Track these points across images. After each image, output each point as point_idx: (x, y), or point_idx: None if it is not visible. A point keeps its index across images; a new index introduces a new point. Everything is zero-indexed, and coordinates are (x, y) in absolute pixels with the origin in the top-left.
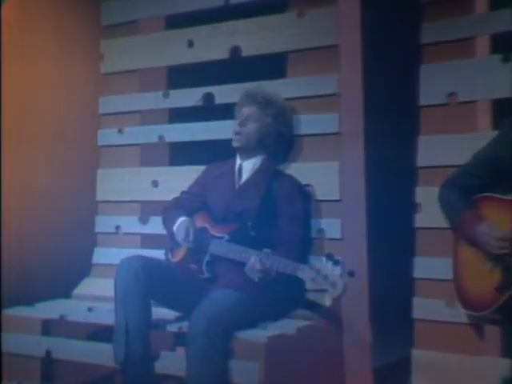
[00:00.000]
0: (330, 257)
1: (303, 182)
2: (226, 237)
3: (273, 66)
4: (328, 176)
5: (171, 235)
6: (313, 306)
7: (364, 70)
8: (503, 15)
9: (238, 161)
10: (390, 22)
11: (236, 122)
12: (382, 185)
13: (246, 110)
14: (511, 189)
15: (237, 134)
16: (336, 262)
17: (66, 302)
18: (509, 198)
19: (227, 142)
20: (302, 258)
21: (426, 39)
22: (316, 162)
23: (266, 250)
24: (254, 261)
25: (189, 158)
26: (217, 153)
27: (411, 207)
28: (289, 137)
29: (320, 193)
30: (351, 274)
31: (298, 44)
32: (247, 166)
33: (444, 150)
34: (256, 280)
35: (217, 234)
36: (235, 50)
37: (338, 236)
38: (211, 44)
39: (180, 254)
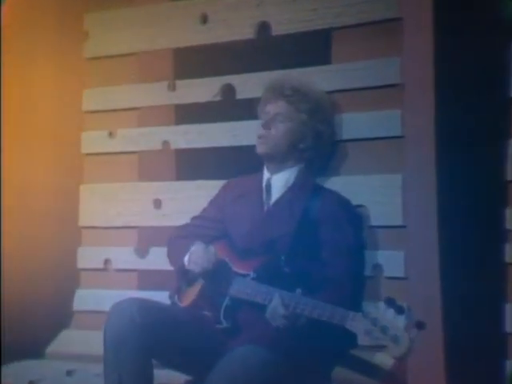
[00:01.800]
0: (390, 302)
1: (353, 202)
2: (252, 274)
3: (312, 48)
4: (387, 194)
5: (179, 270)
6: (368, 369)
7: (436, 52)
8: None
9: (266, 174)
10: None
11: (261, 121)
12: (460, 205)
13: (272, 107)
14: None
15: (261, 137)
16: (399, 310)
17: (37, 364)
18: None
19: (253, 150)
20: (354, 302)
21: None
22: (370, 175)
23: (297, 290)
24: (276, 303)
25: (202, 170)
26: (239, 164)
27: (501, 235)
28: (331, 139)
29: (376, 216)
30: (420, 325)
31: (346, 19)
32: (278, 181)
33: None
34: (280, 328)
35: (240, 271)
36: (263, 28)
37: (401, 274)
38: (231, 19)
39: (190, 296)
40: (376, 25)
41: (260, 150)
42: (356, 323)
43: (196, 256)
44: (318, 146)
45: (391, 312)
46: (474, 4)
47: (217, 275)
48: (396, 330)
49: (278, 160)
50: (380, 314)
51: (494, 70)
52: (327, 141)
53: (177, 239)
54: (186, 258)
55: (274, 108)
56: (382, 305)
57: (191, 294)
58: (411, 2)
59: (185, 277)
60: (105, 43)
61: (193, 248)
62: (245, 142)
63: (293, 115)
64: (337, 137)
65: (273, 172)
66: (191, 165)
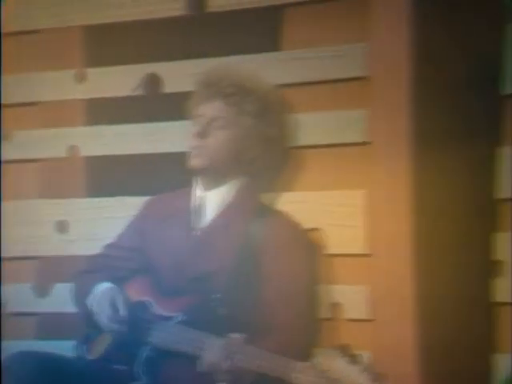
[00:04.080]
0: (344, 351)
1: (306, 225)
2: (179, 317)
3: (258, 30)
4: (348, 214)
5: (86, 314)
6: None
7: (414, 35)
8: None
9: (199, 191)
10: None
11: (193, 127)
12: (438, 227)
13: (208, 109)
14: None
15: (195, 148)
16: (354, 360)
17: None
18: None
19: (184, 158)
20: (303, 350)
21: None
22: (328, 191)
23: (235, 335)
24: (218, 355)
25: (118, 184)
26: (166, 176)
27: (488, 267)
28: (282, 147)
29: (335, 243)
30: (380, 379)
31: None
32: (213, 199)
33: None
34: None
35: (164, 313)
36: (196, 3)
37: (364, 316)
38: None
39: (100, 346)
40: (338, 1)
41: (194, 163)
42: (303, 375)
43: (99, 304)
44: (266, 156)
45: (344, 362)
46: None
47: (133, 321)
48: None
49: (216, 174)
50: (331, 364)
51: (484, 61)
52: (278, 148)
53: (84, 275)
54: (93, 302)
55: (211, 110)
56: (334, 353)
57: (102, 343)
58: None
59: (93, 323)
60: None
61: (98, 291)
62: (173, 149)
63: (235, 119)
64: (290, 143)
65: (208, 188)
66: (105, 177)
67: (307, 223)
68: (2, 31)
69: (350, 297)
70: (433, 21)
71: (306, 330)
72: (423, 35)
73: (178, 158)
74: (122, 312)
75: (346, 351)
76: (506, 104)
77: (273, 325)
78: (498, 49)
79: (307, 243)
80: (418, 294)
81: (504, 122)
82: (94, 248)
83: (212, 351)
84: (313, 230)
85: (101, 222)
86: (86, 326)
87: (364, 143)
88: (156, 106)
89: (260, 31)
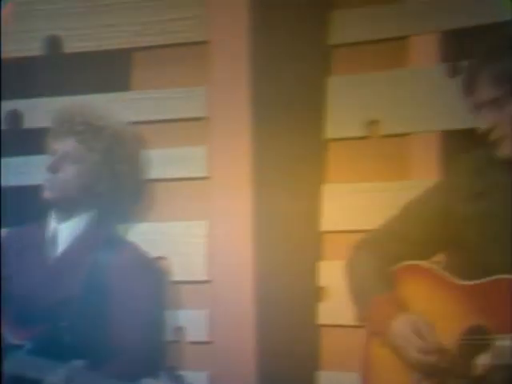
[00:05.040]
0: (170, 371)
1: (154, 253)
2: (29, 344)
3: (111, 71)
4: (190, 243)
5: None
6: None
7: (252, 83)
8: None
9: (54, 223)
10: None
11: (48, 162)
12: (276, 256)
13: (60, 145)
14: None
15: (48, 181)
16: (176, 380)
17: None
18: (438, 268)
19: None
20: (147, 373)
21: None
22: (173, 222)
23: (77, 362)
24: (58, 381)
25: None
26: (26, 208)
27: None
28: (133, 180)
29: (179, 270)
30: None
31: (147, 38)
32: (66, 231)
33: None
34: None
35: (15, 341)
36: (53, 43)
37: (204, 338)
38: (18, 32)
39: None
40: (181, 47)
41: (46, 195)
42: None
43: None
44: (116, 189)
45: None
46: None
47: None
48: None
49: (68, 206)
50: None
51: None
52: (128, 182)
53: None
54: None
55: (63, 146)
56: (162, 375)
57: None
58: (223, 23)
59: None
60: None
61: None
62: (33, 181)
63: (84, 156)
64: (141, 176)
65: (61, 220)
66: None
67: (154, 252)
68: None
69: (191, 321)
70: (270, 69)
71: (151, 353)
72: (261, 80)
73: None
74: None
75: (170, 373)
76: None
77: (120, 349)
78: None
79: (154, 271)
80: (255, 318)
81: None
82: None
83: (53, 377)
84: (159, 258)
85: None
86: None
87: (205, 178)
88: (16, 141)
89: (112, 72)
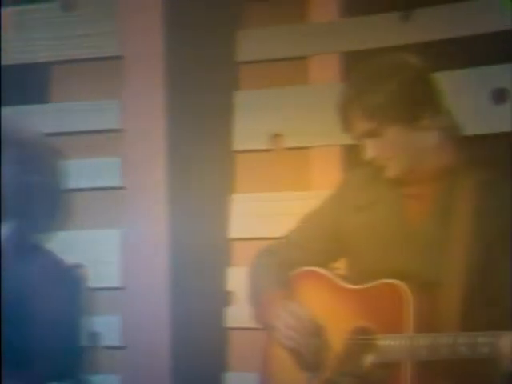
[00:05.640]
0: (79, 377)
1: (71, 261)
2: None
3: (31, 83)
4: (105, 251)
5: None
6: None
7: (165, 96)
8: None
9: None
10: None
11: None
12: (190, 264)
13: None
14: None
15: None
16: None
17: None
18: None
19: None
20: (64, 379)
21: None
22: (89, 230)
23: None
24: None
25: None
26: None
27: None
28: (51, 191)
29: (94, 277)
30: None
31: (65, 52)
32: None
33: None
34: None
35: None
36: None
37: (117, 343)
38: None
39: None
40: (98, 61)
41: None
42: None
43: None
44: (33, 200)
45: None
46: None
47: None
48: None
49: None
50: None
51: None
52: (45, 193)
53: None
54: None
55: None
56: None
57: None
58: (137, 39)
59: None
60: None
61: None
62: None
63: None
64: (59, 187)
65: None
66: None
67: (71, 260)
68: None
69: (106, 326)
70: (183, 83)
71: (69, 358)
72: (174, 94)
73: None
74: None
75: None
76: None
77: (36, 356)
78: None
79: (70, 278)
80: (168, 322)
81: None
82: None
83: None
84: (75, 266)
85: None
86: None
87: (120, 188)
88: None
89: (32, 85)
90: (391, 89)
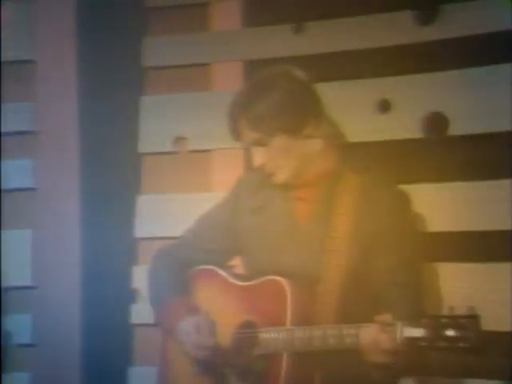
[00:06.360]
0: None
1: None
2: None
3: None
4: (16, 250)
5: None
6: None
7: (78, 98)
8: None
9: None
10: None
11: None
12: (100, 264)
13: None
14: None
15: None
16: None
17: None
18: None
19: None
20: None
21: None
22: (3, 230)
23: None
24: None
25: None
26: None
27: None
28: None
29: (7, 276)
30: None
31: None
32: None
33: None
34: None
35: None
36: None
37: (28, 341)
38: None
39: None
40: (13, 64)
41: None
42: None
43: None
44: None
45: None
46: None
47: None
48: None
49: None
50: None
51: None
52: None
53: None
54: None
55: None
56: None
57: None
58: (50, 43)
59: None
60: None
61: None
62: None
63: None
64: None
65: None
66: None
67: None
68: None
69: (18, 325)
70: (94, 87)
71: None
72: (87, 98)
73: None
74: None
75: None
76: None
77: None
78: None
79: None
80: (79, 320)
81: None
82: None
83: None
84: None
85: None
86: None
87: (33, 189)
88: None
89: None
90: (273, 99)
